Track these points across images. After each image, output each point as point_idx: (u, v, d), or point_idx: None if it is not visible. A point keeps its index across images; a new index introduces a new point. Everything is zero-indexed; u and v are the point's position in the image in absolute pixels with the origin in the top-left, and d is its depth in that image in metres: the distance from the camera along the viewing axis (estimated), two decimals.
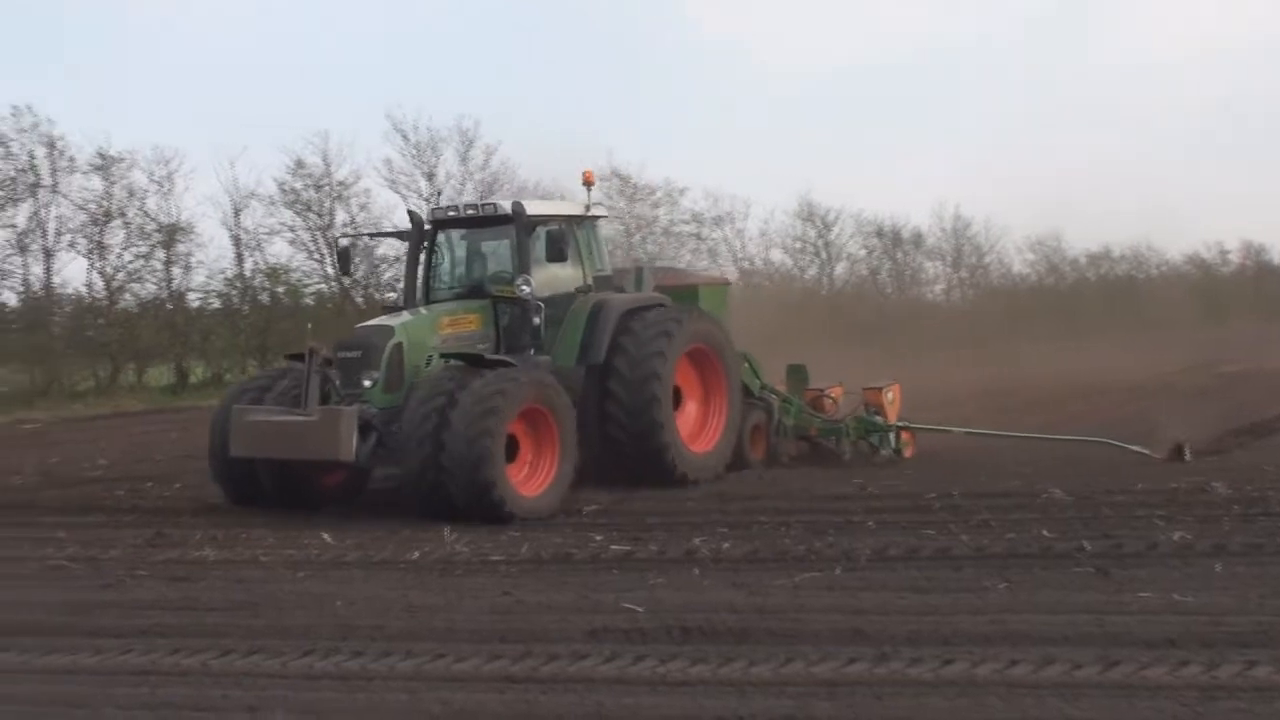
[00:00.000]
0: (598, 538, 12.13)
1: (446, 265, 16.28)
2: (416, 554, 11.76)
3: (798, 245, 57.50)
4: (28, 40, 62.10)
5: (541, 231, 15.13)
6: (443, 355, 14.47)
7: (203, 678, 7.74)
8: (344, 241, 16.88)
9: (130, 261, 37.37)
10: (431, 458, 13.09)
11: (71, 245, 36.30)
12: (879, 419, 17.74)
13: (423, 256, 16.09)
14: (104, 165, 36.58)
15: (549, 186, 49.77)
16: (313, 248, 40.84)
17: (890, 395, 17.93)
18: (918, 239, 60.89)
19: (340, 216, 41.40)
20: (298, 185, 40.80)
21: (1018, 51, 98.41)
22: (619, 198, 52.33)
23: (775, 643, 7.95)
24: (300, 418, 13.69)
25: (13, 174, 35.26)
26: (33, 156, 35.36)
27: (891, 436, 17.65)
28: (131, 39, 71.06)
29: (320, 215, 41.03)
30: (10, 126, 34.91)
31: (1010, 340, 36.84)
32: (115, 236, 37.08)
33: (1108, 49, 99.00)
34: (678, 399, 15.85)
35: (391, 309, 16.28)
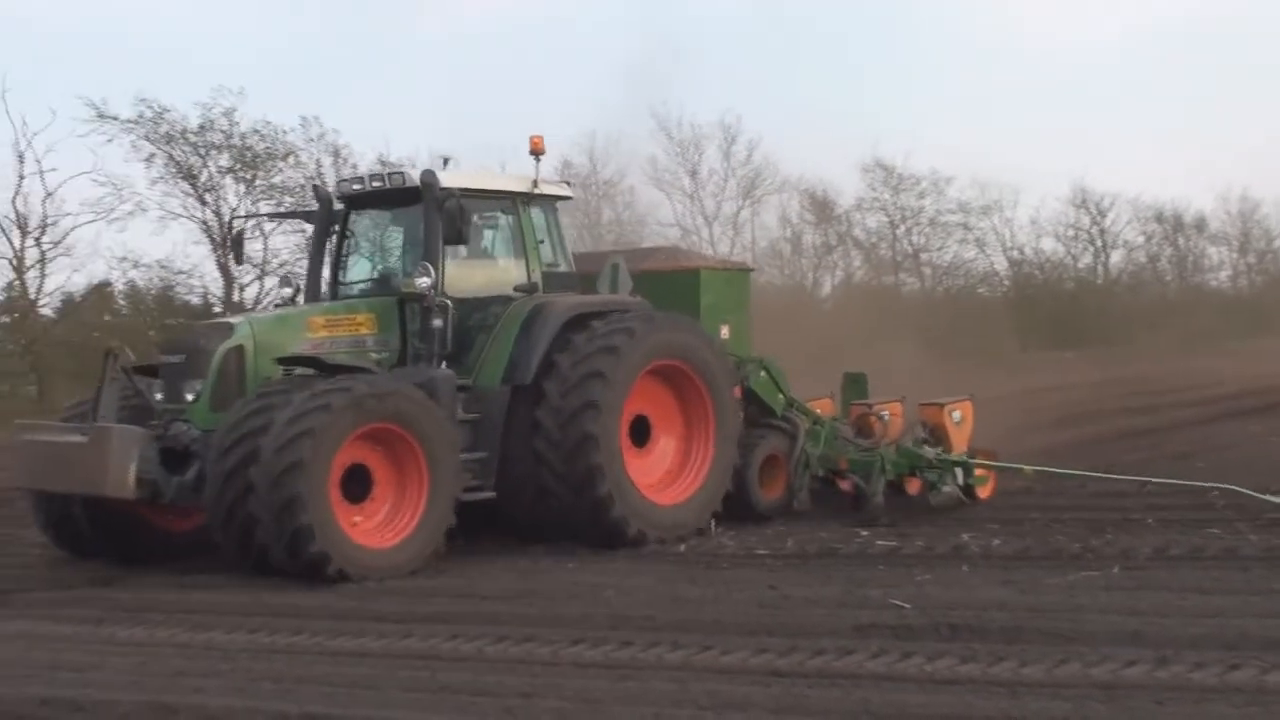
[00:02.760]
0: (863, 533, 12.06)
1: (357, 254, 13.33)
2: (683, 547, 11.94)
3: (1070, 233, 55.70)
4: (311, 53, 65.31)
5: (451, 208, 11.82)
6: (280, 361, 11.33)
7: (479, 663, 8.02)
8: (239, 224, 14.01)
9: None
10: (240, 500, 10.30)
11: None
12: (929, 450, 13.69)
13: (332, 243, 13.16)
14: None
15: (812, 180, 49.85)
16: (579, 246, 41.76)
17: (958, 415, 14.06)
18: (1200, 223, 58.21)
19: (606, 214, 42.18)
20: (559, 180, 41.78)
21: None
22: (883, 189, 51.80)
23: (1049, 643, 7.73)
24: (72, 439, 10.96)
25: (302, 182, 37.12)
26: (319, 165, 37.13)
27: (959, 469, 13.67)
28: (403, 48, 73.96)
29: (587, 214, 41.89)
30: (299, 137, 36.71)
31: None
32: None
33: None
34: (644, 434, 12.60)
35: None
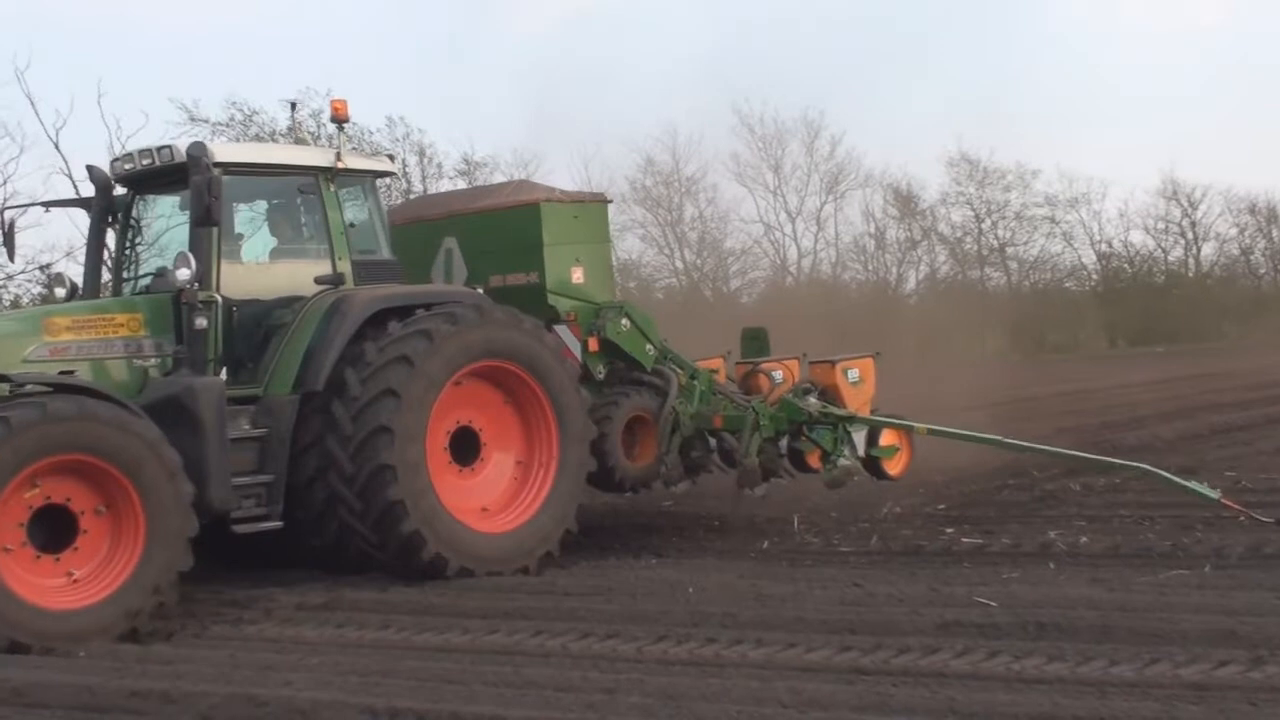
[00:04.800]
0: (948, 530, 11.93)
1: (137, 245, 11.56)
2: (766, 544, 11.89)
3: (1160, 226, 54.79)
4: (395, 52, 66.01)
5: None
6: None
7: (563, 659, 8.05)
8: (9, 215, 11.66)
9: None
10: None
11: None
12: (813, 403, 12.11)
13: (113, 232, 11.63)
14: (468, 170, 38.51)
15: (896, 175, 49.46)
16: (663, 243, 41.87)
17: (854, 374, 12.44)
18: None
19: (689, 211, 42.22)
20: (648, 183, 41.92)
21: None
22: (967, 182, 51.29)
23: (1138, 642, 7.59)
24: None
25: (388, 182, 37.51)
26: (405, 165, 37.46)
27: (859, 438, 12.15)
28: (486, 46, 74.55)
29: (670, 211, 41.96)
30: (385, 137, 37.06)
31: None
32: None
33: None
34: (471, 449, 10.98)
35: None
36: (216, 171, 10.09)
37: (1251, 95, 76.86)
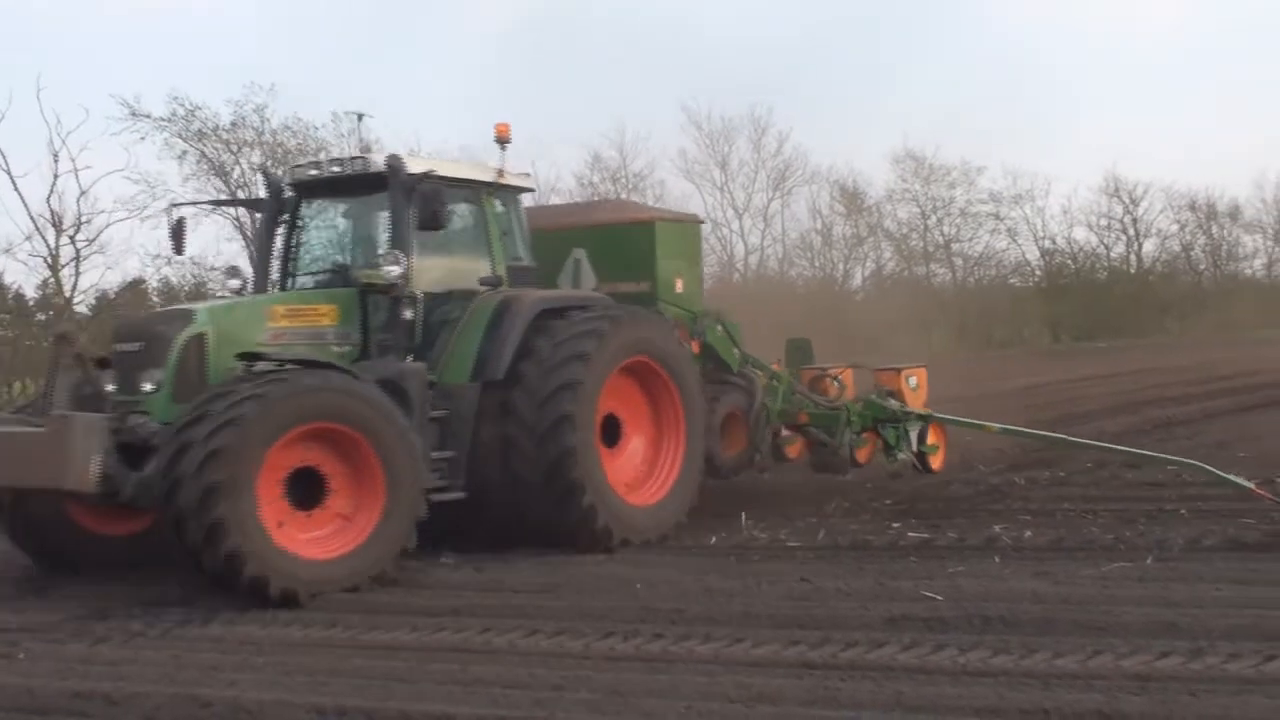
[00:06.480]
0: (895, 525, 12.01)
1: (310, 244, 12.67)
2: (714, 539, 11.92)
3: (1103, 222, 55.42)
4: (343, 49, 65.56)
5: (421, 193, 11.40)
6: (242, 356, 10.57)
7: (511, 657, 8.02)
8: (179, 212, 12.52)
9: None
10: (177, 520, 9.52)
11: None
12: (895, 404, 13.98)
13: (281, 232, 12.59)
14: None
15: (842, 171, 49.69)
16: None
17: (914, 381, 14.25)
18: (1234, 211, 57.76)
19: None
20: (595, 179, 41.88)
21: None
22: (913, 179, 51.64)
23: (1082, 634, 7.67)
24: (25, 429, 10.21)
25: None
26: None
27: (913, 435, 13.93)
28: (431, 42, 74.21)
29: None
30: (331, 133, 36.81)
31: None
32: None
33: None
34: (614, 433, 12.19)
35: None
36: (439, 184, 11.46)
37: (1192, 94, 77.89)
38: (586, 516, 11.39)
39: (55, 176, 32.29)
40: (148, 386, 10.43)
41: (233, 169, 35.42)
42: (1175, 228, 56.72)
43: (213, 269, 34.93)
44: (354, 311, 11.55)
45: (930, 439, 14.04)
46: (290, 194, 12.54)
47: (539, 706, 6.82)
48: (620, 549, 11.52)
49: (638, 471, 12.28)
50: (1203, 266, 58.10)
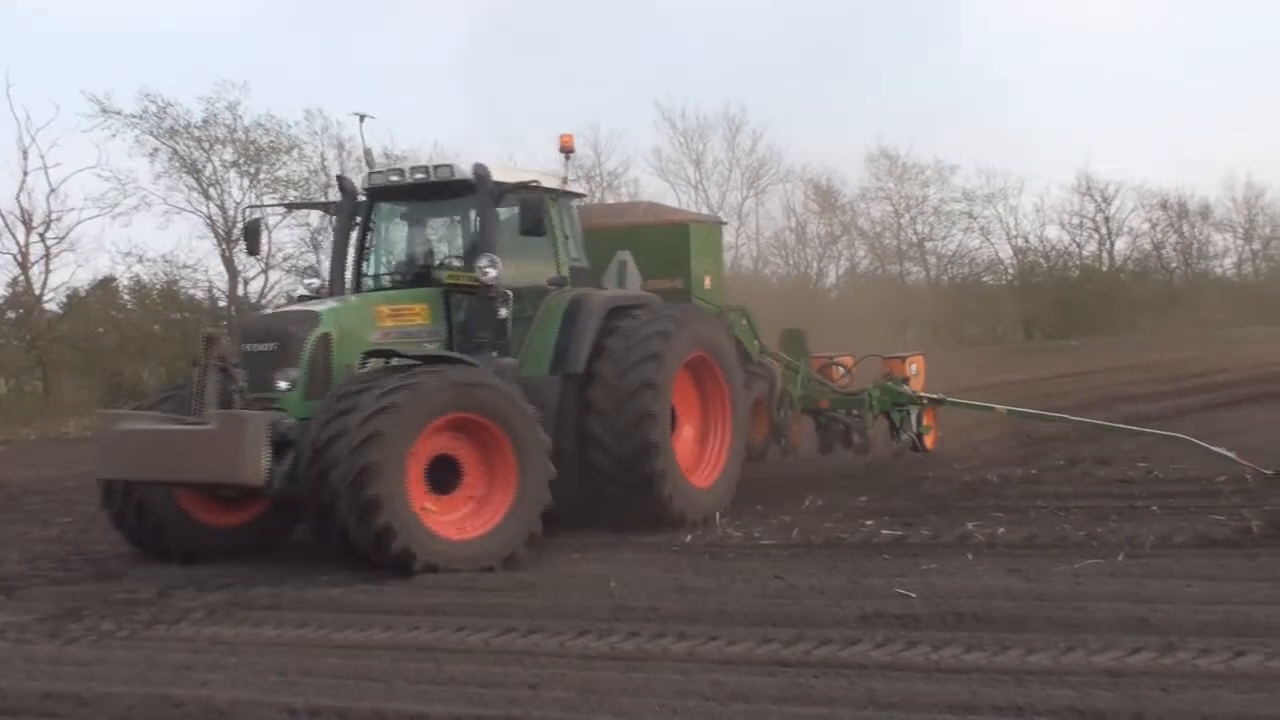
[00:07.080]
0: (868, 522, 12.03)
1: (385, 246, 13.23)
2: (689, 537, 11.93)
3: (1075, 221, 55.73)
4: (318, 45, 65.37)
5: (515, 200, 12.24)
6: (373, 354, 11.41)
7: (485, 655, 8.01)
8: (254, 214, 13.73)
9: None
10: (330, 502, 10.21)
11: None
12: (908, 389, 15.21)
13: (354, 235, 13.13)
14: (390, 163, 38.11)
15: (816, 170, 49.81)
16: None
17: (914, 367, 15.45)
18: (1205, 210, 58.22)
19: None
20: (570, 176, 41.80)
21: None
22: (887, 178, 51.80)
23: (1054, 631, 7.71)
24: (190, 427, 10.76)
25: (306, 175, 37.16)
26: (324, 158, 37.16)
27: (914, 418, 15.17)
28: (407, 41, 74.06)
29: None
30: (304, 130, 36.73)
31: None
32: None
33: None
34: (673, 422, 12.87)
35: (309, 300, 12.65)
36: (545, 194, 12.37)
37: (1163, 94, 78.32)
38: (667, 502, 12.21)
39: (25, 173, 32.21)
40: (283, 384, 11.00)
41: (204, 166, 35.27)
42: (1147, 226, 57.17)
43: (185, 266, 34.87)
44: (440, 310, 12.20)
45: (925, 421, 15.26)
46: (363, 198, 13.06)
47: (513, 705, 6.82)
48: (596, 548, 11.53)
49: (690, 458, 13.00)
50: (1174, 265, 58.55)
